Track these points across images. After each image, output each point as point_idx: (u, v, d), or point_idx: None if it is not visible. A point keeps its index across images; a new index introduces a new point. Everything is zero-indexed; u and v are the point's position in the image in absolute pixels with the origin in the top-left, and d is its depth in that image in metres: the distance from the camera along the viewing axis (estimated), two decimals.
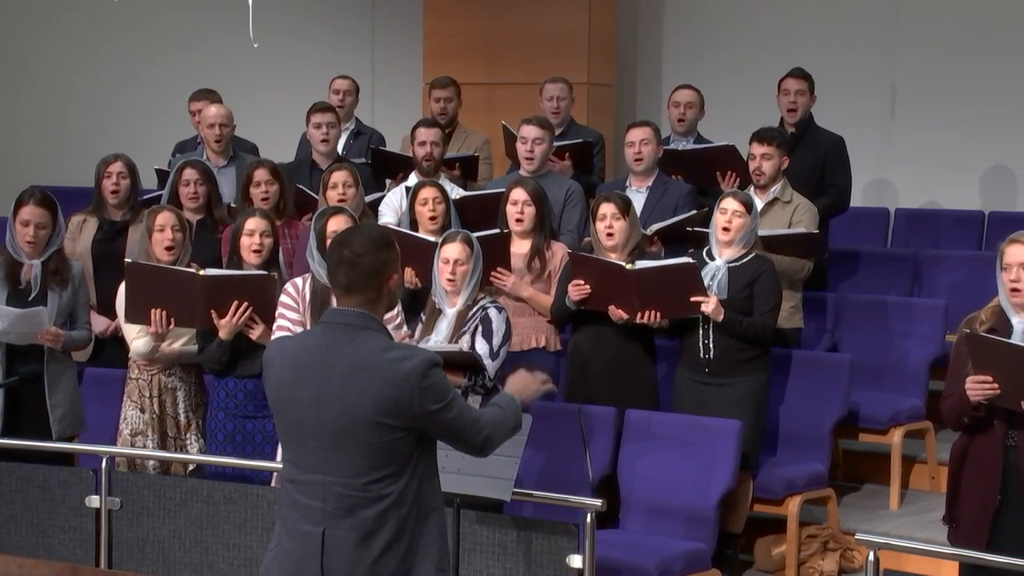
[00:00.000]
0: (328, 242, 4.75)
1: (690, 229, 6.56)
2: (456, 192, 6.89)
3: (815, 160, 7.25)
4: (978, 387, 4.42)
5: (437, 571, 3.62)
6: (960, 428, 4.67)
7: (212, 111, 7.51)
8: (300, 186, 7.08)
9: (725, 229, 5.97)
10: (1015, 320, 4.52)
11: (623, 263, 5.87)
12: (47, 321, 5.93)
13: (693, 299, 5.83)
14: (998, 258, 4.59)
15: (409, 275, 6.19)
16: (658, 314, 5.86)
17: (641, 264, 5.87)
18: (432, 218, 6.36)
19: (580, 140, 7.65)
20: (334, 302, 3.88)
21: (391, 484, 3.56)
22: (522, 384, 4.01)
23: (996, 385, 4.39)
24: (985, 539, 4.50)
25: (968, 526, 4.59)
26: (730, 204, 5.99)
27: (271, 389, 3.72)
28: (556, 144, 7.23)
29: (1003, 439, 4.50)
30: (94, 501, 5.51)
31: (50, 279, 6.01)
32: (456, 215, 6.46)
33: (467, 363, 5.32)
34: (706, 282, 5.91)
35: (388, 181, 7.75)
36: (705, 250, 6.09)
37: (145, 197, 7.17)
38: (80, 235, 6.86)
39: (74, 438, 6.16)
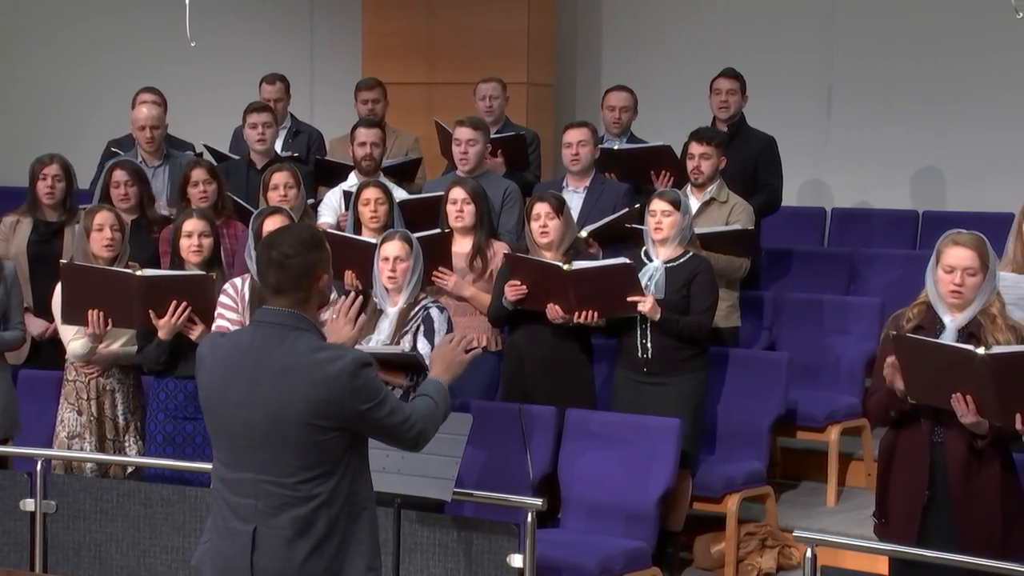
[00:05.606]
0: None
1: (629, 226, 6.57)
2: (398, 194, 6.86)
3: (747, 160, 7.29)
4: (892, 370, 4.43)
5: (368, 570, 3.61)
6: (886, 423, 4.70)
7: (143, 113, 7.42)
8: (231, 195, 6.98)
9: (658, 229, 6.01)
10: (947, 318, 4.52)
11: (560, 263, 5.88)
12: None
13: (630, 299, 5.86)
14: (934, 255, 4.54)
15: (349, 278, 6.16)
16: (595, 314, 5.88)
17: (578, 264, 5.89)
18: (373, 218, 6.34)
19: (511, 134, 7.61)
20: None
21: (322, 483, 3.55)
22: (446, 362, 3.90)
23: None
24: (915, 535, 4.53)
25: (897, 522, 4.62)
26: (658, 205, 6.03)
27: (202, 388, 3.71)
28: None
29: (929, 436, 4.52)
30: (29, 504, 5.46)
31: None
32: (400, 217, 6.44)
33: (407, 363, 5.31)
34: (643, 282, 5.93)
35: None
36: (643, 251, 6.12)
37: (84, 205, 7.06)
38: (14, 236, 6.78)
39: (8, 440, 6.09)
